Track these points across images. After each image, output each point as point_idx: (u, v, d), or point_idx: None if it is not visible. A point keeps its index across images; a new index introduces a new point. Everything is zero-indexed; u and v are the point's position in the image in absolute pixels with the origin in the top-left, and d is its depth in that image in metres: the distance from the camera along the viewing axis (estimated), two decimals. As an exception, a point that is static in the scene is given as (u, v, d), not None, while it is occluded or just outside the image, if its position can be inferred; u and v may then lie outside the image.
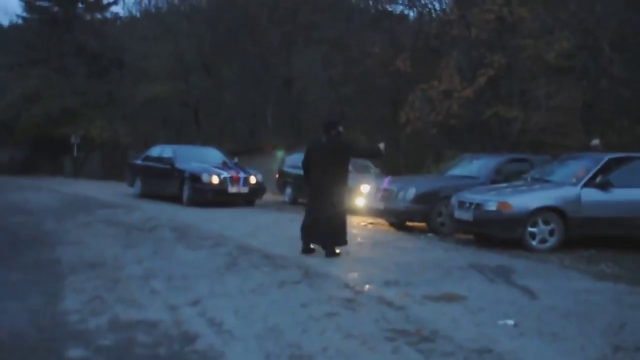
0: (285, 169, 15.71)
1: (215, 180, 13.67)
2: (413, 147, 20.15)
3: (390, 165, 17.11)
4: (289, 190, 15.40)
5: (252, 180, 14.13)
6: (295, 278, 6.12)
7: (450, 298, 5.34)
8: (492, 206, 8.30)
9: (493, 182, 9.89)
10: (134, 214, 11.93)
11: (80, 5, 34.53)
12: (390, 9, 23.32)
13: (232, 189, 13.80)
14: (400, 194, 10.11)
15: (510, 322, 4.61)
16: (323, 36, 25.34)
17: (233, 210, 12.96)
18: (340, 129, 7.63)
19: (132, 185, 16.48)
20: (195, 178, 13.74)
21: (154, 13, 33.03)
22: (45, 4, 34.20)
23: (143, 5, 34.49)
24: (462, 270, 6.69)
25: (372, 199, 10.87)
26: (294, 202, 14.95)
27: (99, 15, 35.19)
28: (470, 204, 8.58)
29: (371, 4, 24.20)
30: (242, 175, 14.04)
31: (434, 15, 20.13)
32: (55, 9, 33.84)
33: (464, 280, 6.14)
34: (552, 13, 15.64)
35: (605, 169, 8.45)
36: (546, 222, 8.19)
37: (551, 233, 8.20)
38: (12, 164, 34.38)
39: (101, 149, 32.02)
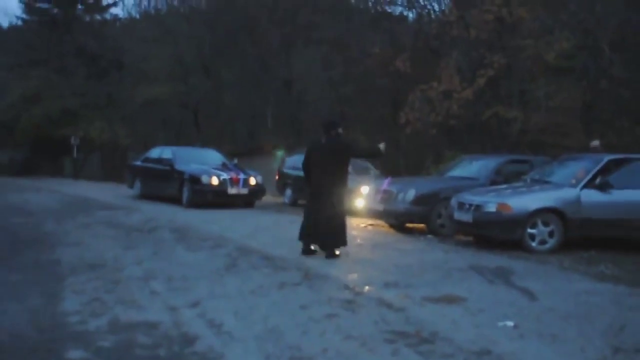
0: (285, 170, 15.68)
1: (214, 181, 13.67)
2: (413, 147, 20.14)
3: (390, 166, 17.11)
4: (288, 192, 15.38)
5: (252, 181, 14.13)
6: (295, 279, 6.13)
7: (449, 299, 5.34)
8: (491, 207, 8.30)
9: (493, 183, 9.88)
10: (133, 216, 11.94)
11: (79, 6, 34.58)
12: (389, 10, 23.34)
13: (232, 191, 13.79)
14: (400, 196, 10.11)
15: (510, 323, 4.62)
16: (323, 36, 25.31)
17: (233, 212, 12.97)
18: (340, 130, 7.63)
19: (131, 186, 16.48)
20: (194, 179, 13.73)
21: (154, 14, 33.04)
22: (45, 5, 34.25)
23: (142, 6, 34.57)
24: (461, 271, 6.69)
25: (371, 201, 10.85)
26: (294, 203, 14.94)
27: (98, 17, 35.28)
28: (470, 205, 8.58)
29: (370, 4, 24.18)
30: (241, 176, 14.04)
31: (433, 16, 20.12)
32: (55, 10, 33.89)
33: (464, 282, 6.14)
34: (552, 13, 15.62)
35: (605, 170, 8.44)
36: (546, 224, 8.18)
37: (551, 234, 8.19)
38: (12, 164, 34.36)
39: (101, 150, 32.04)
